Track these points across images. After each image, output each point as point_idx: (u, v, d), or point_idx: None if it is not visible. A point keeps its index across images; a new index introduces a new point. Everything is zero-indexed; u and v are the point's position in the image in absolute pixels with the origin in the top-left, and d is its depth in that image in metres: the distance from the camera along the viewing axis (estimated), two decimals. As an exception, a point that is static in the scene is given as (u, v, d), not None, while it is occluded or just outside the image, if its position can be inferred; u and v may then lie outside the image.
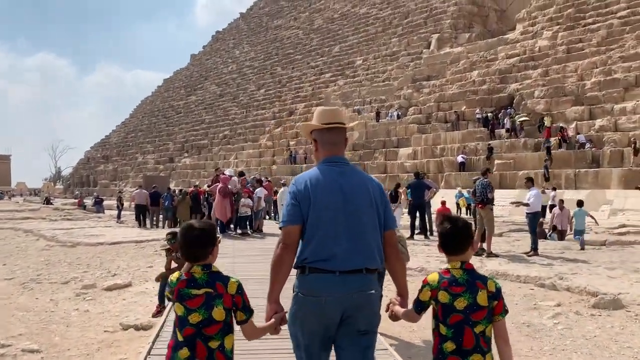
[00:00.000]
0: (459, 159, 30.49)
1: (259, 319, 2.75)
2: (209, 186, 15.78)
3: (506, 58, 35.67)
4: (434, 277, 2.61)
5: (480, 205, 11.00)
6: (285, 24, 67.14)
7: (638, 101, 26.47)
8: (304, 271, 2.75)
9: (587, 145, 26.11)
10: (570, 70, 30.98)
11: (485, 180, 10.99)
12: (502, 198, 26.32)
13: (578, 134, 27.15)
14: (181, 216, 20.99)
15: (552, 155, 26.13)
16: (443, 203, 15.60)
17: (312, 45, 57.10)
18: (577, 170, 25.16)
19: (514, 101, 32.47)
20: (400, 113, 37.26)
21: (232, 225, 14.23)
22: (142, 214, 20.63)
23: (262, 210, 14.76)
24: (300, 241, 2.79)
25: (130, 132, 74.03)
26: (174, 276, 2.66)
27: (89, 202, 38.65)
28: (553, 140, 27.46)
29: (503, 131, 30.99)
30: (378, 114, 38.83)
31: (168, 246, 7.21)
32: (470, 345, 2.49)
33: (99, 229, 18.41)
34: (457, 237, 2.61)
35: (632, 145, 24.20)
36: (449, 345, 2.52)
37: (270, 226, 15.05)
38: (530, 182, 11.85)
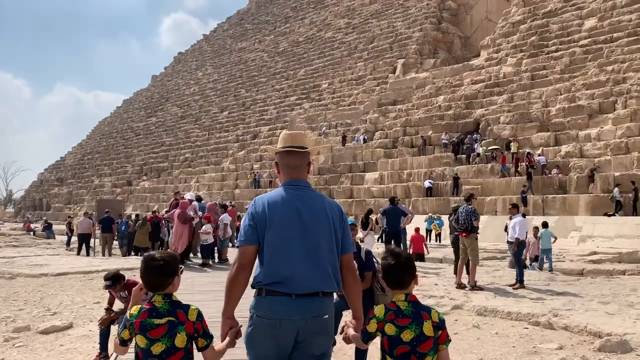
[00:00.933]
0: (426, 184, 30.05)
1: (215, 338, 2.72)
2: (167, 211, 14.52)
3: (472, 84, 35.79)
4: (380, 310, 2.64)
5: (464, 234, 10.14)
6: (250, 47, 66.55)
7: (602, 128, 26.66)
8: (261, 293, 2.76)
9: (554, 171, 26.03)
10: (535, 97, 31.18)
11: (470, 207, 10.19)
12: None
13: (539, 155, 27.23)
14: (139, 243, 19.63)
15: (532, 181, 25.69)
16: (417, 230, 14.81)
17: (277, 68, 56.56)
18: (544, 196, 24.98)
19: (480, 126, 32.43)
20: (366, 137, 36.80)
21: (191, 254, 13.08)
22: (85, 243, 19.30)
23: (228, 239, 13.65)
24: (258, 262, 2.81)
25: (86, 154, 71.50)
26: (134, 309, 2.65)
27: (39, 226, 36.52)
28: (511, 167, 27.44)
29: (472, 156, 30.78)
30: (344, 138, 38.28)
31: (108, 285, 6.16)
32: None
33: (45, 257, 16.84)
34: (400, 272, 2.66)
35: (589, 173, 24.23)
36: None
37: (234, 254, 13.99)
38: (515, 209, 11.18)
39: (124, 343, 2.66)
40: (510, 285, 10.38)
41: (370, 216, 13.00)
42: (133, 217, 22.29)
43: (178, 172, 50.83)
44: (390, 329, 2.57)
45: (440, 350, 2.60)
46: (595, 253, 18.67)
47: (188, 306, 2.67)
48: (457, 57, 44.06)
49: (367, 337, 2.68)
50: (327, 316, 2.80)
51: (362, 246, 5.05)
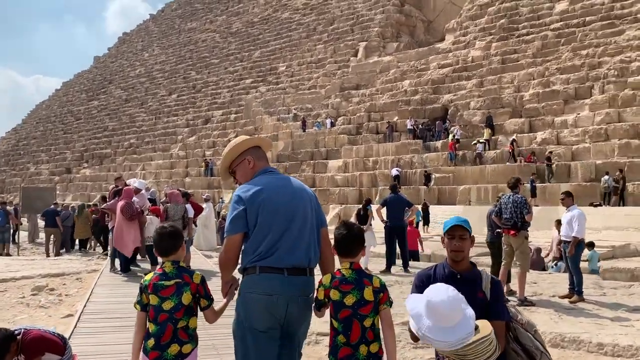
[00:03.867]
0: (394, 172, 28.12)
1: None
2: (104, 199, 11.51)
3: (438, 68, 34.13)
4: (327, 279, 2.90)
5: (512, 232, 7.66)
6: (200, 27, 62.84)
7: (579, 114, 25.44)
8: (255, 271, 2.87)
9: (533, 158, 24.59)
10: (507, 82, 29.77)
11: (519, 196, 7.83)
12: (444, 215, 24.30)
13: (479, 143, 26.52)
14: (80, 235, 16.78)
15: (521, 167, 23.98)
16: (410, 223, 12.58)
17: (231, 50, 53.37)
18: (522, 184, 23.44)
19: (449, 112, 30.80)
20: (333, 121, 34.51)
21: (138, 256, 10.47)
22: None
23: (191, 240, 10.93)
24: (249, 244, 2.92)
25: (21, 140, 66.20)
26: (147, 276, 3.08)
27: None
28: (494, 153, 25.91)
29: (438, 144, 29.06)
30: (304, 123, 35.90)
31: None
32: (356, 338, 2.75)
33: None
34: (351, 242, 2.90)
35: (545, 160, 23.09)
36: (341, 338, 2.78)
37: (198, 261, 11.34)
38: (569, 199, 8.40)
39: (144, 308, 3.02)
40: (565, 297, 7.97)
41: (368, 207, 10.68)
42: (70, 207, 19.28)
43: (122, 158, 47.15)
44: (334, 294, 2.80)
45: (382, 310, 2.82)
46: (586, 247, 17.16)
47: (193, 271, 3.11)
48: (420, 41, 42.32)
49: (318, 305, 2.93)
50: (312, 295, 2.97)
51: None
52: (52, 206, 16.92)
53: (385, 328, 2.82)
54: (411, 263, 11.16)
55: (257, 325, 2.83)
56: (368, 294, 2.75)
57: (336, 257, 3.02)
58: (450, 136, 28.15)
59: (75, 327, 5.58)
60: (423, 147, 29.49)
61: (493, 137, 27.13)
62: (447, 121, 30.20)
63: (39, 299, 8.32)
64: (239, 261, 2.98)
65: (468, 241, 2.87)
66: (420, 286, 2.87)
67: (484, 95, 29.60)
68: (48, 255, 15.53)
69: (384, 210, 10.25)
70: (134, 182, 10.39)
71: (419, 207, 21.00)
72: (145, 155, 45.39)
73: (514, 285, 8.08)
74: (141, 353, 3.02)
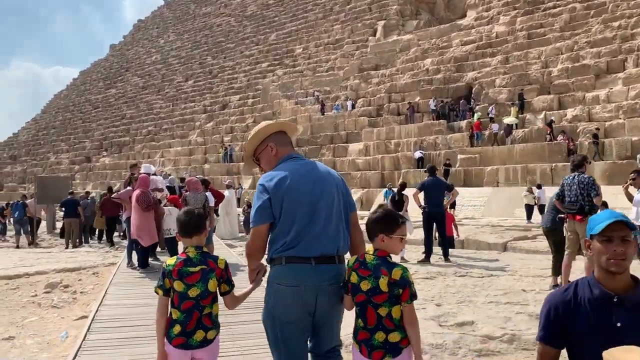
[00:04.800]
0: (417, 154, 27.31)
1: None
2: (110, 190, 10.86)
3: (461, 45, 33.01)
4: (352, 260, 2.77)
5: (578, 217, 6.63)
6: (215, 11, 62.08)
7: (612, 89, 24.27)
8: (281, 261, 2.79)
9: (560, 137, 23.52)
10: (534, 57, 28.61)
11: (586, 176, 6.78)
12: (472, 197, 23.45)
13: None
14: (100, 225, 16.20)
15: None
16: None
17: (246, 33, 52.58)
18: (553, 164, 22.50)
19: (473, 91, 29.76)
20: (354, 103, 33.65)
21: (158, 248, 9.93)
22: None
23: (213, 230, 10.23)
24: (275, 234, 2.83)
25: (41, 130, 66.42)
26: (170, 260, 2.98)
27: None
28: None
29: (463, 124, 28.09)
30: (323, 106, 35.12)
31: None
32: (372, 323, 2.63)
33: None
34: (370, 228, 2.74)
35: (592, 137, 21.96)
36: (360, 322, 2.69)
37: (221, 252, 10.54)
38: None
39: (167, 293, 2.91)
40: None
41: (404, 192, 9.86)
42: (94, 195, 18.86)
43: (140, 146, 46.90)
44: (353, 277, 2.69)
45: (403, 307, 2.62)
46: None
47: (217, 257, 3.04)
48: (440, 18, 41.08)
49: (345, 286, 2.78)
50: (342, 283, 2.84)
51: None
52: (69, 196, 16.45)
53: (407, 325, 2.65)
54: (454, 252, 10.43)
55: (286, 317, 2.77)
56: (383, 284, 2.61)
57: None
58: (476, 116, 27.18)
59: (84, 339, 4.99)
60: (447, 128, 28.57)
61: (521, 116, 26.09)
62: (472, 100, 29.20)
63: (51, 297, 7.82)
64: (266, 251, 2.93)
65: (632, 245, 2.03)
66: (556, 318, 2.10)
67: (510, 72, 28.50)
68: (67, 247, 15.10)
69: (421, 195, 9.50)
70: (148, 168, 9.66)
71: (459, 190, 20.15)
72: (164, 142, 45.08)
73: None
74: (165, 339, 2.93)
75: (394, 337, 2.60)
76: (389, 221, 2.69)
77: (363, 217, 3.12)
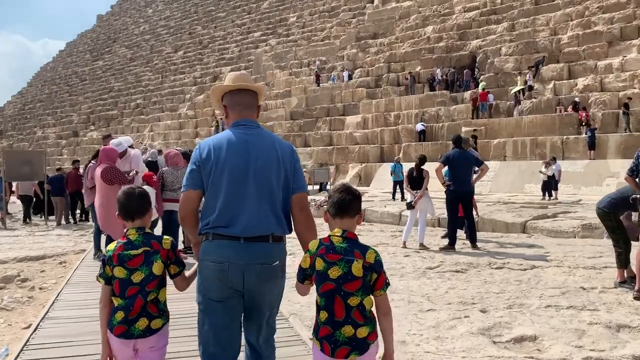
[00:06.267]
0: (418, 127, 25.94)
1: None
2: (85, 167, 9.22)
3: (464, 11, 31.37)
4: (313, 244, 2.47)
5: None
6: (205, -21, 59.70)
7: (625, 56, 22.85)
8: (208, 237, 2.62)
9: (570, 108, 22.14)
10: (541, 24, 27.07)
11: None
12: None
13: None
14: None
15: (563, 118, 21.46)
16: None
17: (237, 1, 50.51)
18: (564, 137, 21.19)
19: (477, 60, 28.25)
20: (351, 73, 32.07)
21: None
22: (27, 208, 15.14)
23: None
24: (204, 208, 2.66)
25: (27, 103, 64.42)
26: (110, 246, 2.74)
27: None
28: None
29: (467, 95, 26.64)
30: (318, 77, 33.52)
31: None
32: (341, 316, 2.33)
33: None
34: (348, 202, 2.43)
35: (622, 107, 20.51)
36: (322, 315, 2.38)
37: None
38: None
39: (109, 281, 2.67)
40: None
41: (423, 167, 8.41)
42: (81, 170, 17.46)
43: (129, 120, 45.24)
44: (319, 263, 2.39)
45: (377, 296, 2.37)
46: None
47: (162, 236, 2.77)
48: (441, -16, 39.18)
49: (302, 276, 2.48)
50: (277, 263, 2.63)
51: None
52: (57, 172, 15.53)
53: (381, 316, 2.40)
54: (482, 235, 9.12)
55: (211, 295, 2.57)
56: (357, 268, 2.31)
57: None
58: (481, 85, 25.74)
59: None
60: (450, 99, 27.14)
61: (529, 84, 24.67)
62: (476, 69, 27.73)
63: (1, 296, 6.49)
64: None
65: None
66: None
67: (516, 39, 26.99)
68: (59, 224, 13.93)
69: (445, 170, 8.16)
70: (120, 140, 7.96)
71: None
72: (153, 115, 43.43)
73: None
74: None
75: (362, 332, 2.33)
76: (360, 199, 2.49)
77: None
